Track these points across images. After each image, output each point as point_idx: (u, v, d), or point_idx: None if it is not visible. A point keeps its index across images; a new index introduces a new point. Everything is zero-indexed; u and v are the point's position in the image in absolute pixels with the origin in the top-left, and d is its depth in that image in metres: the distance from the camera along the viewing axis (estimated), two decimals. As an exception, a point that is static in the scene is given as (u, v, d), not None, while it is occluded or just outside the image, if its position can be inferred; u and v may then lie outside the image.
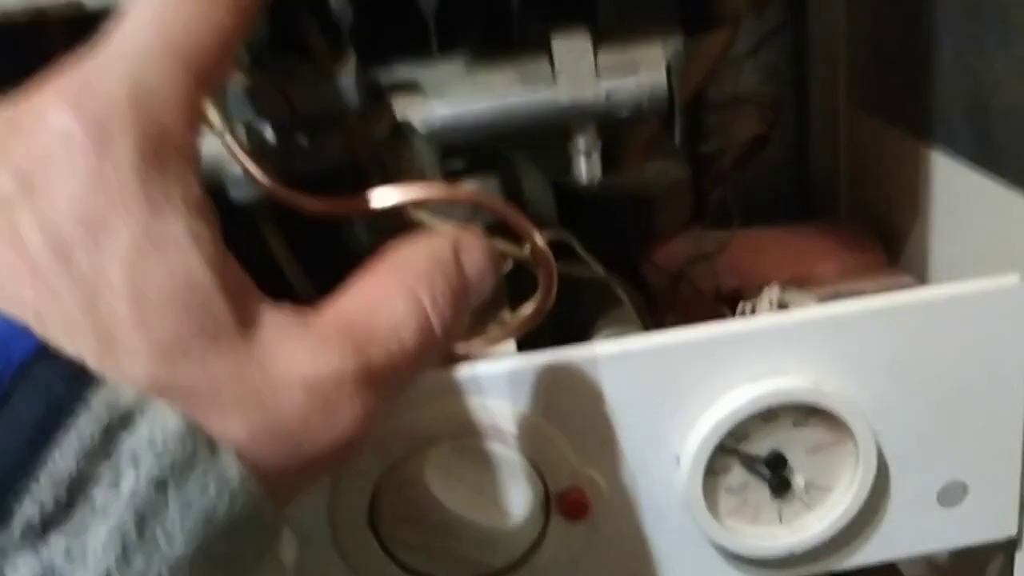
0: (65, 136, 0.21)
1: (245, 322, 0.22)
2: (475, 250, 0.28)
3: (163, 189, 0.22)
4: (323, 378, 0.23)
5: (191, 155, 0.23)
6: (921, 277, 0.55)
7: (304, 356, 0.23)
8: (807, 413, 0.40)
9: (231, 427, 0.22)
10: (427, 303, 0.26)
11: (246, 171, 0.35)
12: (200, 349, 0.21)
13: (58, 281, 0.20)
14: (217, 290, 0.22)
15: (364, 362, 0.24)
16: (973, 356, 0.41)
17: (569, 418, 0.40)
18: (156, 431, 0.20)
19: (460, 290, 0.27)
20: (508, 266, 0.43)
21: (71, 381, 0.20)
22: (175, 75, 0.23)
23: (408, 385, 0.26)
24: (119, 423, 0.20)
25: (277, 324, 0.23)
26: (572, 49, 0.39)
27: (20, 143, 0.21)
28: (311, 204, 0.34)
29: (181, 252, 0.22)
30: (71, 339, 0.20)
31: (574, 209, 0.56)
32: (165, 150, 0.22)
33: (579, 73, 0.39)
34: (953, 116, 0.49)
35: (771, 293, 0.44)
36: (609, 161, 0.44)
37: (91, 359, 0.20)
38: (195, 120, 0.24)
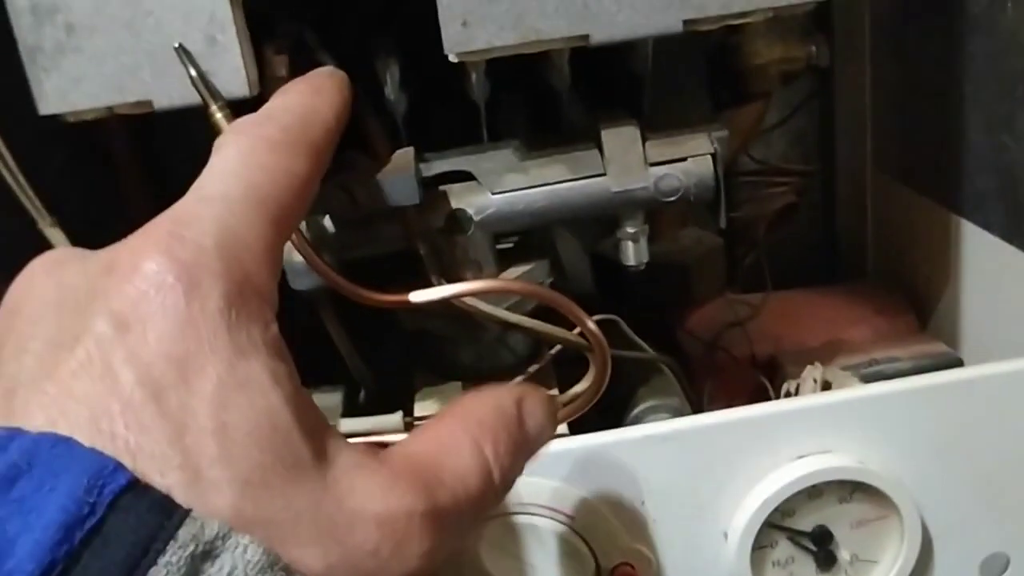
0: (157, 282, 0.23)
1: (321, 457, 0.23)
2: (537, 406, 0.30)
3: (246, 332, 0.23)
4: (395, 514, 0.24)
5: (271, 298, 0.25)
6: (950, 343, 0.56)
7: (377, 492, 0.24)
8: (852, 489, 0.41)
9: (308, 559, 0.22)
10: (490, 456, 0.27)
11: (309, 263, 0.36)
12: (280, 483, 0.22)
13: (149, 417, 0.21)
14: (295, 426, 0.23)
15: (432, 503, 0.25)
16: (1014, 432, 0.41)
17: (620, 495, 0.41)
18: (238, 562, 0.21)
19: (521, 444, 0.28)
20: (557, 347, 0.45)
21: (160, 514, 0.21)
22: (259, 223, 0.25)
23: (469, 529, 0.27)
24: (203, 555, 0.21)
25: (350, 459, 0.24)
26: (621, 139, 0.41)
27: (116, 287, 0.23)
28: (372, 297, 0.35)
29: (262, 391, 0.23)
30: (160, 473, 0.21)
31: (610, 276, 0.57)
32: (248, 294, 0.24)
33: (628, 163, 0.41)
34: (984, 191, 0.50)
35: (815, 373, 0.45)
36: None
37: (178, 492, 0.21)
38: (276, 264, 0.25)
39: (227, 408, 0.22)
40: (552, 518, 0.40)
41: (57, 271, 0.25)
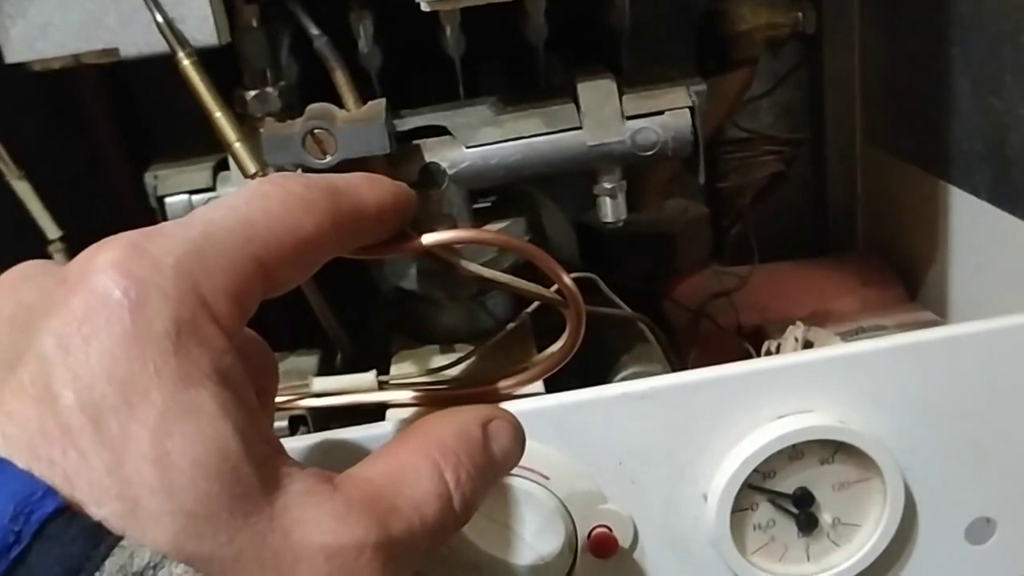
0: (104, 296, 0.22)
1: (270, 487, 0.23)
2: (504, 431, 0.29)
3: (194, 359, 0.22)
4: (344, 548, 0.23)
5: (231, 328, 0.23)
6: (940, 312, 0.55)
7: (327, 524, 0.23)
8: (834, 450, 0.40)
9: None
10: (451, 482, 0.26)
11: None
12: (225, 515, 0.21)
13: (87, 443, 0.21)
14: (244, 457, 0.22)
15: (385, 534, 0.24)
16: (999, 392, 0.41)
17: (597, 457, 0.40)
18: None
19: (484, 469, 0.28)
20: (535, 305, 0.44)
21: (87, 542, 0.20)
22: (236, 256, 0.24)
23: (426, 556, 0.26)
24: None
25: (302, 488, 0.23)
26: (597, 92, 0.40)
27: (63, 301, 0.22)
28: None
29: (210, 420, 0.22)
30: (96, 502, 0.20)
31: (595, 246, 0.56)
32: (201, 321, 0.23)
33: (605, 116, 0.40)
34: (971, 155, 0.50)
35: (796, 332, 0.45)
36: (630, 199, 0.45)
37: (115, 522, 0.20)
38: (244, 301, 0.24)
39: (171, 436, 0.21)
40: (528, 478, 0.40)
41: (21, 287, 0.24)
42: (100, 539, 0.20)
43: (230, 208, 0.25)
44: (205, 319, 0.23)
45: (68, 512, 0.20)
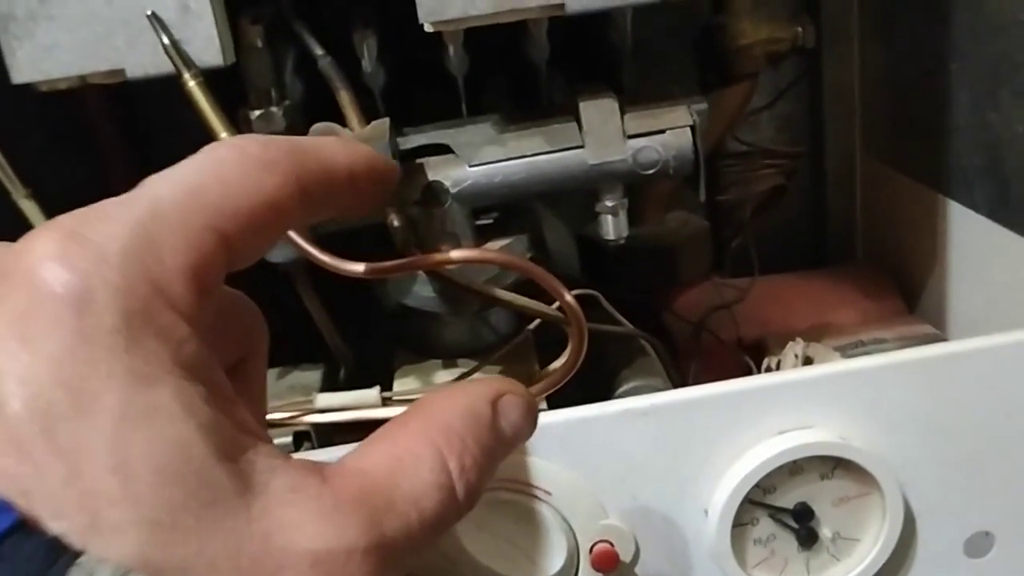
0: (47, 291, 0.20)
1: (246, 487, 0.21)
2: (514, 405, 0.26)
3: (150, 353, 0.20)
4: (332, 552, 0.21)
5: (191, 311, 0.21)
6: (938, 325, 0.56)
7: (313, 526, 0.21)
8: (833, 465, 0.41)
9: None
10: (454, 470, 0.24)
11: (290, 239, 0.36)
12: (194, 523, 0.20)
13: (40, 454, 0.19)
14: (212, 457, 0.20)
15: (378, 535, 0.22)
16: (998, 408, 0.41)
17: (599, 472, 0.40)
18: None
19: (493, 451, 0.25)
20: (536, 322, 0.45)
21: (42, 561, 0.19)
22: (191, 230, 0.22)
23: (423, 552, 0.24)
24: None
25: (285, 485, 0.21)
26: (599, 111, 0.40)
27: (3, 298, 0.20)
28: (352, 269, 0.35)
29: (170, 421, 0.20)
30: (55, 515, 0.19)
31: (595, 259, 0.57)
32: (155, 310, 0.21)
33: (606, 135, 0.40)
34: (970, 170, 0.50)
35: (796, 348, 0.45)
36: (631, 213, 0.45)
37: (76, 536, 0.19)
38: (205, 278, 0.22)
39: (128, 442, 0.19)
40: (531, 494, 0.40)
41: None
42: (56, 556, 0.19)
43: (178, 178, 0.22)
44: (160, 307, 0.21)
45: (24, 529, 0.19)
